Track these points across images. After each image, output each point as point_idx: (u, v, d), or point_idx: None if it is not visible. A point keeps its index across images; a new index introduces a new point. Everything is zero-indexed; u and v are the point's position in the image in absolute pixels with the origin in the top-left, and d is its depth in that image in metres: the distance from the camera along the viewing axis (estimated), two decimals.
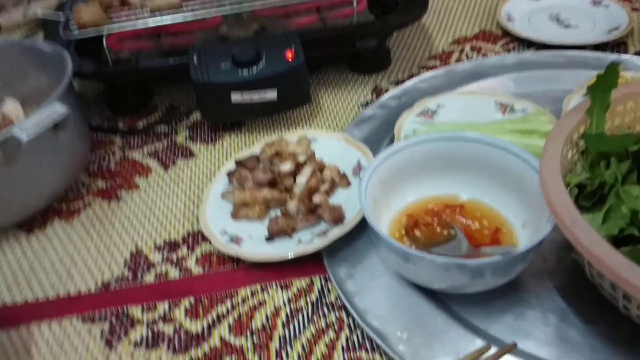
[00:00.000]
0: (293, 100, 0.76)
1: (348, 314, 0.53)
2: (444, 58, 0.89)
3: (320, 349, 0.50)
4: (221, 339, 0.52)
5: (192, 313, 0.54)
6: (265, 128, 0.78)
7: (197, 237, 0.63)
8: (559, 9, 0.96)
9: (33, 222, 0.68)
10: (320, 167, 0.66)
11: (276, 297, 0.55)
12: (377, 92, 0.83)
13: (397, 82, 0.84)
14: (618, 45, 0.87)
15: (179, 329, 0.53)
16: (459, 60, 0.88)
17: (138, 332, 0.53)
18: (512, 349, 0.46)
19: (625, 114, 0.54)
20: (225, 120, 0.79)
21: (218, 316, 0.54)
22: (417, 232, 0.57)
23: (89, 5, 0.76)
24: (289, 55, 0.72)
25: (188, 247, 0.62)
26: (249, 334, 0.52)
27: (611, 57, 0.80)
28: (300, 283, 0.56)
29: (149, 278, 0.59)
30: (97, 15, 0.75)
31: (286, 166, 0.65)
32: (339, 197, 0.63)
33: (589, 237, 0.40)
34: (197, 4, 0.77)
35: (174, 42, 0.84)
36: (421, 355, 0.47)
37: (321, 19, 0.86)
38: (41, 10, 0.98)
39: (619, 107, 0.53)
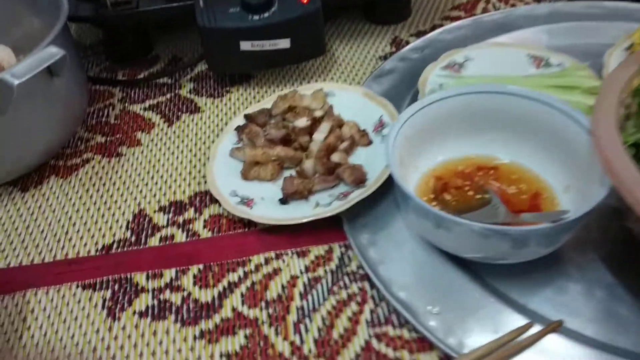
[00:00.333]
0: (307, 50, 0.68)
1: (372, 284, 0.47)
2: (469, 8, 0.81)
3: (343, 322, 0.45)
4: (233, 309, 0.46)
5: (201, 281, 0.49)
6: (275, 81, 0.71)
7: (204, 198, 0.57)
8: None
9: (28, 180, 0.62)
10: (339, 124, 0.59)
11: (292, 265, 0.50)
12: (397, 44, 0.75)
13: (418, 34, 0.76)
14: None
15: (187, 298, 0.48)
16: (485, 10, 0.80)
17: (143, 301, 0.48)
18: (557, 327, 0.41)
19: None
20: (232, 71, 0.72)
21: (229, 285, 0.48)
22: (447, 196, 0.51)
23: None
24: None
25: (195, 209, 0.56)
26: (263, 305, 0.46)
27: None
28: (318, 250, 0.51)
29: (154, 242, 0.53)
30: None
31: (301, 121, 0.58)
32: (359, 157, 0.57)
33: None
34: None
35: None
36: (455, 332, 0.42)
37: None
38: None
39: None
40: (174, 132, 0.66)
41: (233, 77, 0.73)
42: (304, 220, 0.50)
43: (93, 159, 0.64)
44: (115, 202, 0.58)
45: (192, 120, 0.68)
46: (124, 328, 0.46)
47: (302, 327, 0.45)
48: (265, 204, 0.53)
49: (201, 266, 0.50)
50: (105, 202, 0.58)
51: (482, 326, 0.42)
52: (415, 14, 0.80)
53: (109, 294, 0.49)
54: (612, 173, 0.38)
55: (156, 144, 0.65)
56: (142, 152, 0.64)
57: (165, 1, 0.69)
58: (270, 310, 0.46)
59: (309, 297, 0.47)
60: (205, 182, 0.57)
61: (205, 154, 0.62)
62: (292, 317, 0.45)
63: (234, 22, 0.64)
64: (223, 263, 0.50)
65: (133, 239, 0.54)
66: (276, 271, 0.49)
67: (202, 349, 0.44)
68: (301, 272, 0.49)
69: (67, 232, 0.55)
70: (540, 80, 0.59)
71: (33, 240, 0.55)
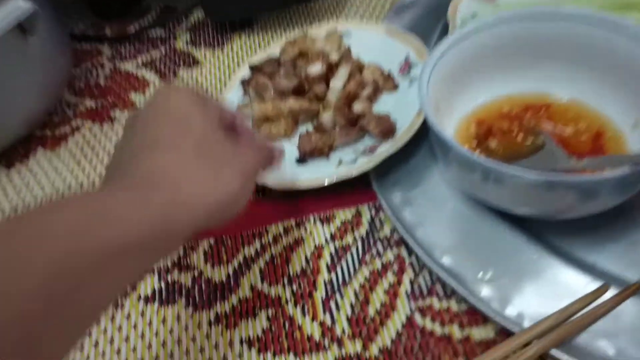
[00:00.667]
0: None
1: (409, 250, 0.42)
2: None
3: (379, 296, 0.40)
4: (252, 288, 0.42)
5: (214, 257, 0.44)
6: (282, 25, 0.65)
7: None
8: None
9: (13, 154, 0.57)
10: (359, 68, 0.53)
11: (316, 233, 0.45)
12: None
13: None
14: None
15: (198, 278, 0.43)
16: None
17: (149, 284, 0.44)
18: (638, 289, 0.36)
19: None
20: (232, 17, 0.66)
21: (246, 260, 0.44)
22: (492, 143, 0.45)
23: None
24: None
25: None
26: (286, 281, 0.42)
27: None
28: (344, 215, 0.46)
29: None
30: None
31: (315, 68, 0.52)
32: (385, 104, 0.51)
33: None
34: None
35: None
36: (513, 301, 0.37)
37: None
38: None
39: None
40: None
41: (233, 23, 0.67)
42: (327, 182, 0.45)
43: (83, 126, 0.59)
44: None
45: (191, 75, 0.62)
46: (128, 317, 0.42)
47: (332, 304, 0.40)
48: (281, 165, 0.48)
49: (212, 240, 0.46)
50: (99, 173, 0.54)
51: (544, 293, 0.37)
52: None
53: None
54: None
55: None
56: None
57: None
58: (295, 287, 0.41)
59: (338, 269, 0.42)
60: None
61: None
62: (319, 294, 0.41)
63: None
64: (237, 235, 0.46)
65: None
66: (298, 241, 0.44)
67: (219, 335, 0.39)
68: (327, 241, 0.44)
69: None
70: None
71: None
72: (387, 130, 0.47)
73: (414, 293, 0.40)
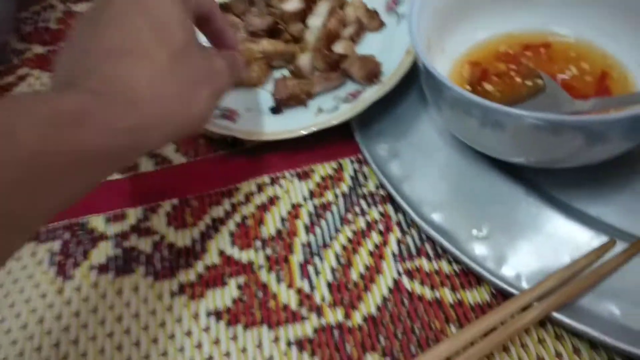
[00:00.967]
0: None
1: (396, 207, 0.40)
2: None
3: (363, 259, 0.37)
4: (221, 254, 0.39)
5: (177, 220, 0.41)
6: None
7: None
8: None
9: None
10: (340, 4, 0.49)
11: (293, 190, 0.42)
12: None
13: None
14: None
15: (160, 244, 0.40)
16: None
17: (102, 252, 0.40)
18: None
19: None
20: None
21: (214, 222, 0.41)
22: (488, 86, 0.42)
23: None
24: None
25: None
26: (259, 244, 0.39)
27: None
28: (324, 169, 0.43)
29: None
30: None
31: (292, 4, 0.48)
32: (370, 45, 0.48)
33: None
34: None
35: None
36: (510, 260, 0.35)
37: None
38: None
39: None
40: None
41: None
42: (304, 132, 0.42)
43: (31, 74, 0.55)
44: None
45: None
46: (78, 289, 0.39)
47: (310, 269, 0.37)
48: (253, 115, 0.45)
49: (176, 201, 0.43)
50: None
51: (544, 250, 0.35)
52: None
53: (57, 245, 0.41)
54: None
55: None
56: None
57: None
58: (269, 251, 0.38)
59: (317, 230, 0.39)
60: None
61: None
62: (296, 258, 0.38)
63: None
64: (203, 195, 0.43)
65: None
66: (272, 200, 0.41)
67: (183, 307, 0.37)
68: (305, 199, 0.41)
69: None
70: None
71: None
72: (372, 73, 0.43)
73: (402, 254, 0.37)
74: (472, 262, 0.35)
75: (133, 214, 0.42)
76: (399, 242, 0.38)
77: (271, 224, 0.40)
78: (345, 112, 0.42)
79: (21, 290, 0.39)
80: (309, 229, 0.39)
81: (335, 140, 0.44)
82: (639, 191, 0.38)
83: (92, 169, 0.27)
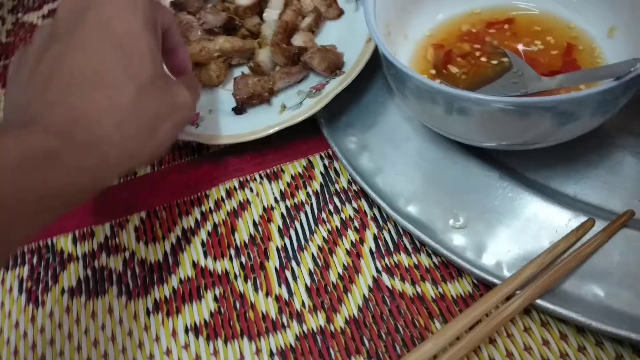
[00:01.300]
0: None
1: (371, 202, 0.38)
2: None
3: (340, 259, 0.35)
4: (194, 265, 0.37)
5: (147, 234, 0.39)
6: None
7: None
8: None
9: None
10: None
11: (263, 193, 0.39)
12: None
13: None
14: None
15: (130, 260, 0.38)
16: None
17: (72, 274, 0.38)
18: (627, 219, 0.32)
19: None
20: None
21: (184, 233, 0.38)
22: (454, 68, 0.40)
23: None
24: None
25: None
26: (233, 253, 0.37)
27: None
28: (294, 168, 0.40)
29: None
30: None
31: None
32: (329, 35, 0.45)
33: None
34: None
35: None
36: (489, 248, 0.33)
37: None
38: None
39: None
40: None
41: None
42: (270, 132, 0.40)
43: None
44: None
45: None
46: (51, 315, 0.36)
47: (288, 274, 0.35)
48: (216, 117, 0.42)
49: (143, 214, 0.40)
50: None
51: (523, 235, 0.33)
52: None
53: (25, 271, 0.39)
54: None
55: None
56: None
57: None
58: (243, 259, 0.36)
59: (292, 233, 0.37)
60: None
61: None
62: (272, 264, 0.36)
63: None
64: (172, 205, 0.40)
65: None
66: (243, 205, 0.39)
67: (160, 325, 0.34)
68: (276, 201, 0.39)
69: None
70: None
71: None
72: (334, 64, 0.41)
73: (379, 250, 0.35)
74: (451, 253, 0.34)
75: (101, 231, 0.40)
76: (375, 238, 0.36)
77: (244, 231, 0.38)
78: (310, 107, 0.39)
79: None
80: (283, 233, 0.37)
81: (303, 137, 0.41)
82: (613, 164, 0.36)
83: (57, 205, 0.27)
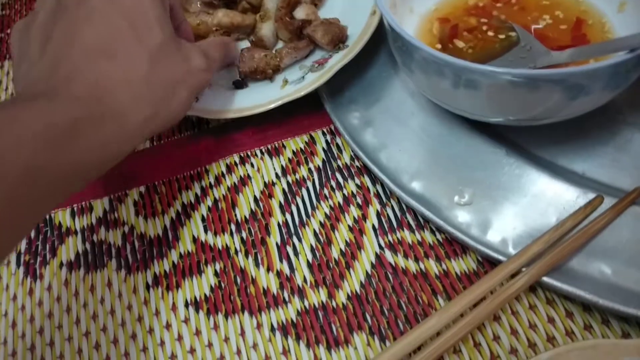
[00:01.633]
0: None
1: (374, 179, 0.36)
2: None
3: (343, 235, 0.34)
4: (194, 240, 0.35)
5: (146, 208, 0.38)
6: None
7: None
8: None
9: None
10: None
11: (264, 169, 0.38)
12: None
13: None
14: None
15: (130, 235, 0.36)
16: None
17: (71, 248, 0.37)
18: (637, 196, 0.31)
19: None
20: None
21: (184, 208, 0.37)
22: (460, 43, 0.38)
23: None
24: None
25: None
26: (233, 228, 0.36)
27: None
28: (295, 144, 0.39)
29: None
30: None
31: None
32: (333, 8, 0.44)
33: None
34: None
35: None
36: (495, 225, 0.32)
37: None
38: None
39: None
40: None
41: None
42: (272, 106, 0.38)
43: None
44: None
45: None
46: (49, 288, 0.35)
47: (289, 250, 0.34)
48: (216, 91, 0.41)
49: (142, 188, 0.39)
50: None
51: (529, 212, 0.32)
52: None
53: (23, 244, 0.37)
54: None
55: None
56: None
57: None
58: (244, 234, 0.35)
59: (293, 209, 0.36)
60: None
61: None
62: (274, 239, 0.35)
63: None
64: (172, 180, 0.39)
65: None
66: (244, 180, 0.38)
67: (160, 299, 0.33)
68: (278, 177, 0.37)
69: None
70: None
71: None
72: (337, 38, 0.39)
73: (383, 227, 0.34)
74: (455, 230, 0.32)
75: (99, 205, 0.38)
76: (378, 214, 0.35)
77: (245, 206, 0.36)
78: (312, 81, 0.38)
79: None
80: (284, 209, 0.36)
81: (305, 112, 0.40)
82: (623, 142, 0.35)
83: (81, 177, 0.27)
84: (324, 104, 0.40)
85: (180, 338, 0.32)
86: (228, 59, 0.39)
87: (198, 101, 0.39)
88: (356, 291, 0.32)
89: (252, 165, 0.38)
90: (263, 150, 0.39)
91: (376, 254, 0.33)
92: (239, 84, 0.40)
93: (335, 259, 0.33)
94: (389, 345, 0.28)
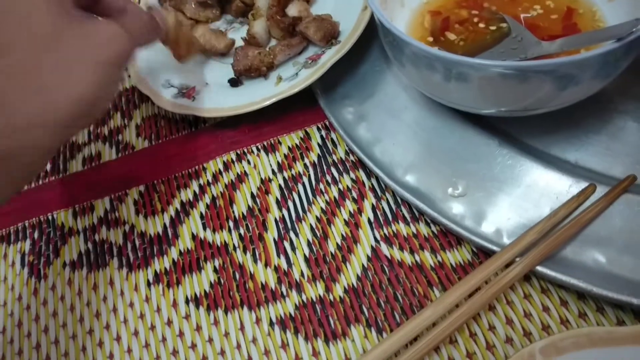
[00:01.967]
0: None
1: (369, 173, 0.36)
2: None
3: (339, 229, 0.34)
4: (194, 237, 0.35)
5: (146, 207, 0.37)
6: None
7: (131, 96, 0.43)
8: None
9: None
10: None
11: (260, 165, 0.38)
12: None
13: None
14: None
15: (130, 233, 0.36)
16: None
17: (74, 247, 0.36)
18: (629, 184, 0.30)
19: None
20: None
21: (183, 206, 0.37)
22: (451, 35, 0.37)
23: None
24: None
25: (122, 113, 0.42)
26: (231, 225, 0.35)
27: None
28: (291, 140, 0.39)
29: (75, 166, 0.41)
30: None
31: None
32: (325, 4, 0.43)
33: None
34: None
35: None
36: (489, 215, 0.32)
37: None
38: None
39: None
40: None
41: None
42: (267, 103, 0.38)
43: None
44: None
45: None
46: (53, 288, 0.35)
47: (286, 245, 0.34)
48: (211, 90, 0.40)
49: (142, 188, 0.38)
50: None
51: (523, 202, 0.32)
52: None
53: (27, 245, 0.37)
54: None
55: None
56: None
57: None
58: (242, 231, 0.35)
59: (290, 204, 0.35)
60: (129, 75, 0.43)
61: None
62: (271, 235, 0.34)
63: None
64: (170, 178, 0.38)
65: (47, 166, 0.41)
66: (241, 177, 0.37)
67: (161, 296, 0.33)
68: (274, 173, 0.37)
69: None
70: None
71: None
72: (329, 34, 0.39)
73: (378, 220, 0.34)
74: (450, 222, 0.32)
75: (100, 205, 0.38)
76: (374, 208, 0.34)
77: (242, 203, 0.36)
78: (306, 77, 0.37)
79: None
80: (281, 204, 0.36)
81: (299, 108, 0.40)
82: (615, 130, 0.34)
83: None
84: (318, 100, 0.39)
85: (181, 334, 0.32)
86: (152, 30, 0.34)
87: (194, 100, 0.39)
88: (353, 284, 0.32)
89: (249, 162, 0.38)
90: (259, 147, 0.39)
91: (372, 247, 0.33)
92: (234, 82, 0.40)
93: (331, 252, 0.33)
94: (386, 337, 0.27)
